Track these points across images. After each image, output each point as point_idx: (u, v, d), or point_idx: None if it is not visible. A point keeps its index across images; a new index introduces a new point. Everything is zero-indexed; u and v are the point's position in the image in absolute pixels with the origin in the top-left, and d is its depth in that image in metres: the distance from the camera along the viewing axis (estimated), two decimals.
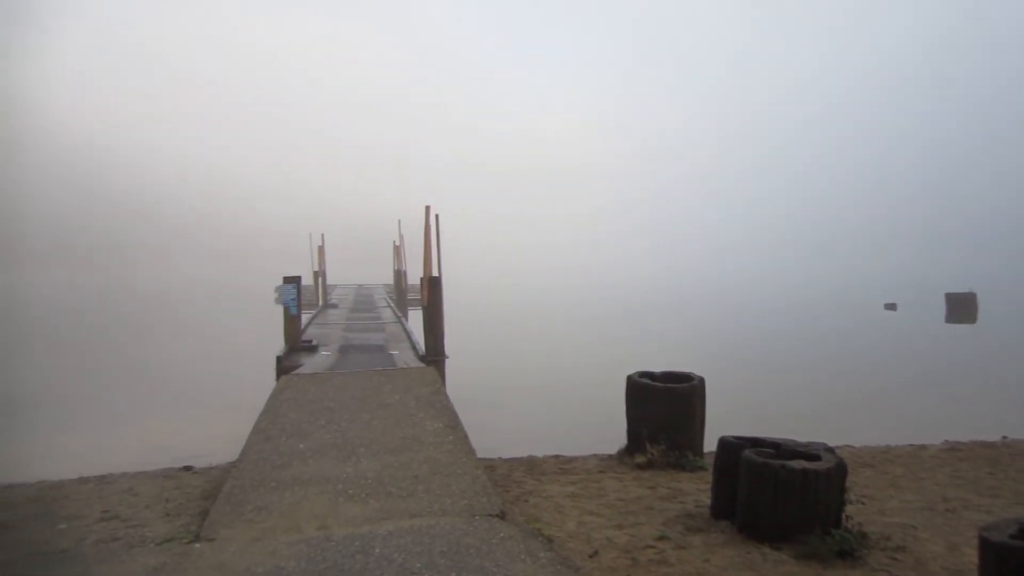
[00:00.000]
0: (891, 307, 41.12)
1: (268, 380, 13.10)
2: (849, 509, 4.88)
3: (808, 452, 4.99)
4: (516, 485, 6.69)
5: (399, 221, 32.98)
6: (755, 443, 5.26)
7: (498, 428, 10.27)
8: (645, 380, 7.43)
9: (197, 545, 4.57)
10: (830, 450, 5.06)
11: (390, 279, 43.55)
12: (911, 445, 8.96)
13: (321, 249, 34.98)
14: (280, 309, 15.35)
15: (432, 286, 15.49)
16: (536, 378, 17.50)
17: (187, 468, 7.63)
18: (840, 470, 4.77)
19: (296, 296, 15.38)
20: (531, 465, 7.66)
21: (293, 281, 15.88)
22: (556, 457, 8.09)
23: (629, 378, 7.57)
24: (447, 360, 14.86)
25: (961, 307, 36.25)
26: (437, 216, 15.98)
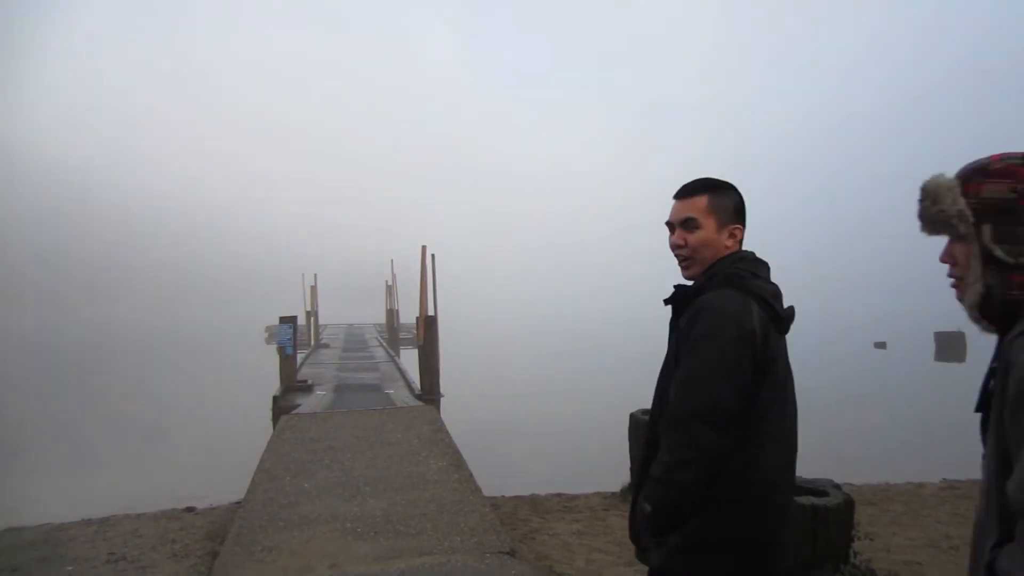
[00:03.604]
0: (881, 346, 41.37)
1: (262, 420, 13.04)
2: (856, 546, 4.92)
3: (815, 488, 5.04)
4: (522, 523, 6.69)
5: (391, 260, 33.13)
6: None
7: (497, 466, 10.24)
8: (648, 417, 7.46)
9: None
10: (836, 486, 5.12)
11: (380, 318, 43.51)
12: (909, 483, 9.01)
13: (313, 289, 35.00)
14: (269, 350, 15.35)
15: (428, 326, 15.57)
16: (534, 416, 17.46)
17: (189, 509, 7.57)
18: (848, 506, 4.83)
19: (292, 336, 15.39)
20: (535, 503, 7.65)
21: (289, 321, 15.90)
22: (559, 495, 8.09)
23: (632, 415, 7.61)
24: (442, 399, 14.88)
25: (950, 345, 36.48)
26: (433, 256, 16.14)
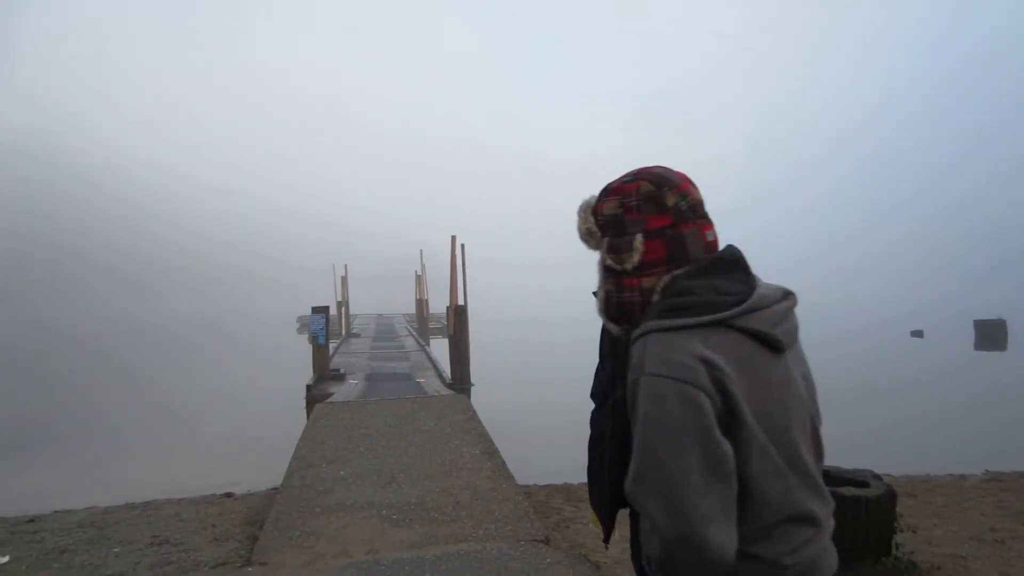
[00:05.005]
0: (918, 334, 40.55)
1: (296, 408, 13.23)
2: (898, 538, 4.84)
3: (856, 479, 4.97)
4: (555, 512, 6.70)
5: (421, 250, 33.27)
6: None
7: (530, 455, 10.26)
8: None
9: (250, 569, 4.62)
10: (877, 477, 5.03)
11: (410, 308, 43.75)
12: (950, 475, 8.84)
13: (344, 279, 35.33)
14: (301, 339, 15.62)
15: (458, 315, 15.63)
16: (565, 404, 17.42)
17: (228, 495, 7.72)
18: (890, 497, 4.75)
19: (325, 326, 15.56)
20: (568, 492, 7.67)
21: (321, 311, 16.08)
22: None
23: None
24: (473, 387, 14.94)
25: (990, 334, 35.78)
26: (463, 246, 16.17)
